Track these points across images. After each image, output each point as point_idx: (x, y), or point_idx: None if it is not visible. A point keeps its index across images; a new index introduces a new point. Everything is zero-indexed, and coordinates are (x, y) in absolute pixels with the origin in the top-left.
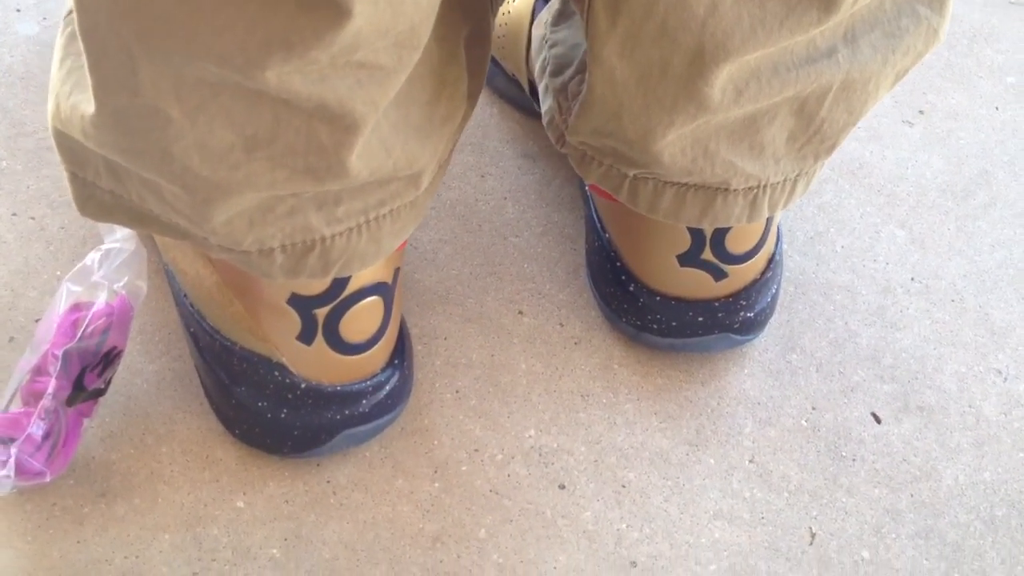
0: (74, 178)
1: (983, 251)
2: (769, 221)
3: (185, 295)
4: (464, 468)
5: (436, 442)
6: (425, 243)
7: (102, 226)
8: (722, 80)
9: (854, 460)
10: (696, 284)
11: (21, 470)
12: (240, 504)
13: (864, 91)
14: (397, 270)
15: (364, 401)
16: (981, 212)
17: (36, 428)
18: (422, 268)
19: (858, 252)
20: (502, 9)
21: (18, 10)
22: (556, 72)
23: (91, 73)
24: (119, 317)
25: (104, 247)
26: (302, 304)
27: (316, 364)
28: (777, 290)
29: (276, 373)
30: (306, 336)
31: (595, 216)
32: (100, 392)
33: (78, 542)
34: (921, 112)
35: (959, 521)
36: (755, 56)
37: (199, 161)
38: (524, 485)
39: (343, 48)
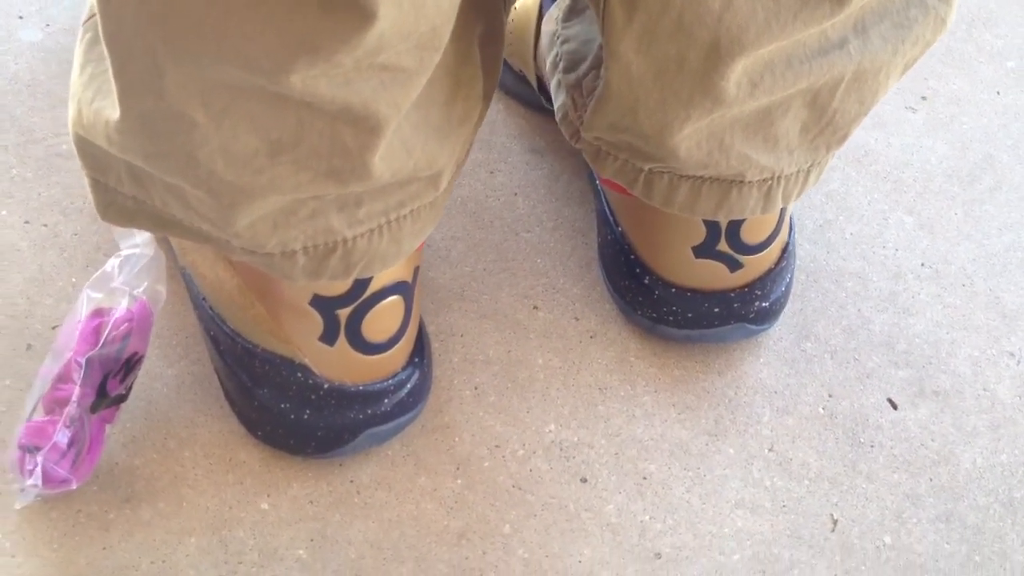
0: (96, 184)
1: (991, 235)
2: (782, 211)
3: (204, 299)
4: (486, 464)
5: (457, 439)
6: (438, 241)
7: (117, 231)
8: (737, 74)
9: (872, 446)
10: (711, 275)
11: (48, 478)
12: (265, 506)
13: (875, 81)
14: (416, 269)
15: (386, 400)
16: (987, 196)
17: (62, 436)
18: (436, 266)
19: (867, 239)
20: None
21: (21, 17)
22: (569, 68)
23: (116, 78)
24: (139, 322)
25: (123, 253)
26: (324, 305)
27: (339, 364)
28: (791, 279)
29: (299, 374)
30: (328, 337)
31: (607, 210)
32: (122, 398)
33: (104, 548)
34: (924, 98)
35: (978, 504)
36: (769, 49)
37: (224, 165)
38: (546, 480)
39: (367, 51)
